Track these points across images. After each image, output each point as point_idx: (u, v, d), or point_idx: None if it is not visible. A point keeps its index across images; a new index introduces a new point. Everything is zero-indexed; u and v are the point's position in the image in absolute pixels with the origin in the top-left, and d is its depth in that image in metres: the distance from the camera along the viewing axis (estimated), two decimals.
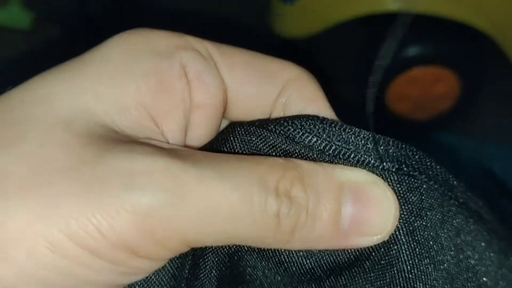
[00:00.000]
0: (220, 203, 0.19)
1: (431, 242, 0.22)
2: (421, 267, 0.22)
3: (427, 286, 0.22)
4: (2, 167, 0.18)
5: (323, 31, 0.56)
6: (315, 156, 0.22)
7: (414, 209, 0.22)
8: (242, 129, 0.23)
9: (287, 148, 0.23)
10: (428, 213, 0.22)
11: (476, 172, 0.41)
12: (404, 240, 0.22)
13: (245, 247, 0.23)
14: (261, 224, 0.20)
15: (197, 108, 0.23)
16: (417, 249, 0.22)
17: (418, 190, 0.22)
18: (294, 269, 0.23)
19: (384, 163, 0.22)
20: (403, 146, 0.22)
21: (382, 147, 0.22)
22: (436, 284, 0.22)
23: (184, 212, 0.18)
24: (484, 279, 0.23)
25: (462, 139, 0.47)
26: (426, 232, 0.22)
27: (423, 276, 0.22)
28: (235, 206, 0.19)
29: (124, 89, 0.21)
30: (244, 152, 0.23)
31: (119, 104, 0.21)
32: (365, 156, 0.22)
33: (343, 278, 0.22)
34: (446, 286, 0.23)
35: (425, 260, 0.22)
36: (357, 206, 0.21)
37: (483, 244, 0.23)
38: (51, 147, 0.19)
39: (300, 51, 0.62)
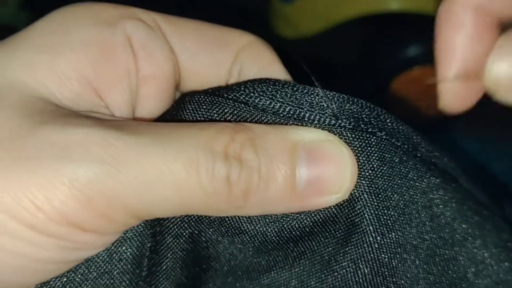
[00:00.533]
0: (162, 171, 0.18)
1: (396, 200, 0.22)
2: (387, 228, 0.21)
3: (392, 246, 0.21)
4: None
5: (323, 31, 0.55)
6: (269, 119, 0.21)
7: (375, 167, 0.21)
8: (194, 99, 0.22)
9: (240, 113, 0.22)
10: (390, 170, 0.21)
11: (476, 172, 0.40)
12: (367, 198, 0.21)
13: (205, 221, 0.22)
14: (211, 190, 0.19)
15: (145, 80, 0.22)
16: (380, 207, 0.21)
17: (377, 146, 0.21)
18: (257, 238, 0.22)
19: (340, 121, 0.21)
20: (360, 102, 0.22)
21: (337, 105, 0.21)
22: (402, 241, 0.22)
23: (123, 182, 0.18)
24: (457, 236, 0.23)
25: (462, 139, 0.47)
26: (389, 190, 0.22)
27: (388, 237, 0.21)
28: (178, 173, 0.18)
29: (61, 58, 0.20)
30: (195, 121, 0.22)
31: (57, 74, 0.20)
32: (320, 115, 0.21)
33: (308, 243, 0.22)
34: (414, 242, 0.22)
35: (391, 219, 0.21)
36: (312, 166, 0.20)
37: (453, 204, 0.22)
38: None
39: (300, 51, 0.62)
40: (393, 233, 0.21)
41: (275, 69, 0.24)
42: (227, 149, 0.19)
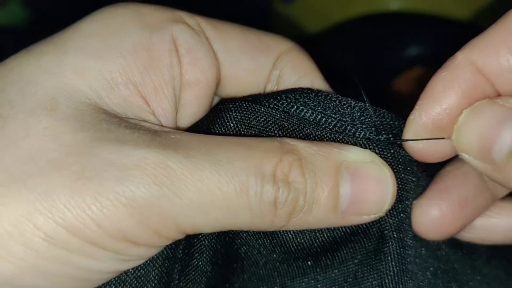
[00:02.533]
0: (215, 195, 0.19)
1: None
2: (408, 247, 0.22)
3: (417, 258, 0.22)
4: None
5: (323, 30, 0.56)
6: (310, 130, 0.22)
7: (406, 183, 0.22)
8: (235, 106, 0.23)
9: (281, 123, 0.22)
10: (416, 181, 0.22)
11: None
12: (395, 212, 0.22)
13: None
14: (258, 213, 0.19)
15: (189, 85, 0.22)
16: (406, 221, 0.22)
17: (411, 166, 0.22)
18: (290, 246, 0.22)
19: (380, 135, 0.21)
20: (397, 118, 0.22)
21: (377, 119, 0.22)
22: (422, 253, 0.22)
23: (179, 204, 0.18)
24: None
25: None
26: (410, 206, 0.22)
27: (412, 249, 0.22)
28: (230, 197, 0.19)
29: (112, 64, 0.20)
30: (238, 129, 0.22)
31: (107, 80, 0.20)
32: (361, 128, 0.21)
33: (340, 253, 0.22)
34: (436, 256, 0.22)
35: (415, 239, 0.22)
36: (355, 187, 0.21)
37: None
38: (36, 135, 0.18)
39: None
40: (417, 249, 0.22)
41: (314, 78, 0.25)
42: (275, 172, 0.20)
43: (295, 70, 0.24)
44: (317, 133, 0.22)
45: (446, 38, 0.57)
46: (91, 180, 0.18)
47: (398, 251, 0.21)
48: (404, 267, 0.21)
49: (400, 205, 0.22)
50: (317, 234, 0.23)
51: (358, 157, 0.21)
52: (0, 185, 0.18)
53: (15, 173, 0.18)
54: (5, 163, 0.18)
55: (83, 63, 0.20)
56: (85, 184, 0.18)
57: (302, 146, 0.20)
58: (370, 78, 0.51)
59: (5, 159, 0.18)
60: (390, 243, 0.21)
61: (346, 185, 0.20)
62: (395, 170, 0.22)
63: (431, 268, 0.22)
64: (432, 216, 0.21)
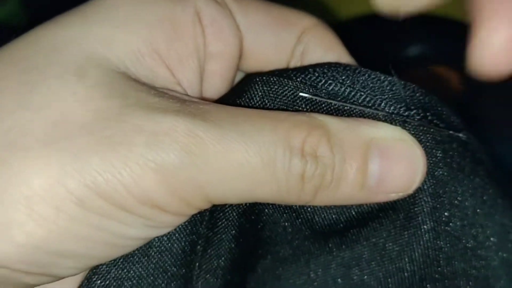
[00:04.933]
0: (242, 165, 0.19)
1: (452, 197, 0.22)
2: (442, 223, 0.21)
3: (447, 239, 0.22)
4: (18, 123, 0.18)
5: None
6: (338, 105, 0.21)
7: (438, 162, 0.21)
8: (262, 79, 0.22)
9: (310, 98, 0.22)
10: (450, 166, 0.22)
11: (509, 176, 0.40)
12: (427, 191, 0.21)
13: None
14: (284, 185, 0.19)
15: (212, 57, 0.22)
16: (439, 198, 0.21)
17: (442, 143, 0.22)
18: (315, 222, 0.22)
19: (410, 111, 0.21)
20: (427, 94, 0.22)
21: (407, 93, 0.21)
22: (454, 241, 0.22)
23: (206, 173, 0.18)
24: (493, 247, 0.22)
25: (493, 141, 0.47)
26: (448, 185, 0.22)
27: (443, 232, 0.22)
28: (257, 168, 0.19)
29: (138, 35, 0.20)
30: (264, 103, 0.22)
31: (134, 50, 0.20)
32: (391, 103, 0.21)
33: (366, 229, 0.22)
34: (463, 238, 0.22)
35: (445, 214, 0.21)
36: (383, 164, 0.20)
37: (496, 217, 0.22)
38: (66, 100, 0.18)
39: None
40: (448, 225, 0.21)
41: (340, 53, 0.24)
42: (304, 145, 0.19)
43: (320, 45, 0.24)
44: (345, 108, 0.21)
45: (447, 38, 0.57)
46: (121, 145, 0.18)
47: (430, 225, 0.21)
48: (436, 241, 0.21)
49: (432, 180, 0.21)
50: (344, 209, 0.22)
51: (388, 134, 0.21)
52: (31, 149, 0.17)
53: (45, 136, 0.18)
54: (35, 126, 0.18)
55: (110, 34, 0.20)
56: (115, 149, 0.18)
57: (331, 121, 0.20)
58: None
59: (34, 123, 0.18)
60: (421, 217, 0.21)
61: (375, 162, 0.20)
62: (426, 147, 0.21)
63: (463, 240, 0.22)
64: (494, 44, 0.16)
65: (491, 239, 0.22)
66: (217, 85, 0.23)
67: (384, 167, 0.20)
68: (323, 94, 0.21)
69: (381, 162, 0.20)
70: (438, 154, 0.21)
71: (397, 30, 0.53)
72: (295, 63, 0.24)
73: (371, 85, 0.21)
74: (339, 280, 0.21)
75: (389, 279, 0.21)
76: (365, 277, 0.21)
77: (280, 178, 0.19)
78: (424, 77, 0.56)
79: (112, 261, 0.21)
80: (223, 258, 0.22)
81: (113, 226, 0.19)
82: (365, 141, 0.20)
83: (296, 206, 0.22)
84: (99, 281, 0.21)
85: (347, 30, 0.55)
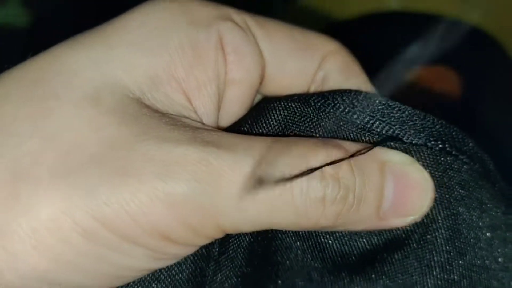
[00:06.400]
0: (258, 192, 0.18)
1: (466, 231, 0.22)
2: (457, 250, 0.21)
3: (461, 269, 0.21)
4: (30, 152, 0.18)
5: (323, 30, 0.55)
6: (356, 133, 0.21)
7: (453, 191, 0.21)
8: (280, 105, 0.22)
9: (327, 124, 0.21)
10: (467, 198, 0.22)
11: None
12: (442, 219, 0.21)
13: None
14: (303, 211, 0.19)
15: (232, 84, 0.22)
16: (454, 230, 0.21)
17: (458, 170, 0.21)
18: (328, 251, 0.22)
19: (429, 143, 0.21)
20: (447, 125, 0.22)
21: (427, 125, 0.21)
22: (470, 275, 0.22)
23: (219, 201, 0.18)
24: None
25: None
26: (464, 218, 0.21)
27: (456, 265, 0.21)
28: (273, 194, 0.18)
29: (157, 60, 0.20)
30: (282, 129, 0.22)
31: (151, 76, 0.20)
32: (409, 133, 0.21)
33: (378, 261, 0.22)
34: (480, 276, 0.22)
35: (459, 248, 0.21)
36: (397, 188, 0.20)
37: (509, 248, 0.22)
38: (80, 128, 0.18)
39: None
40: (463, 257, 0.21)
41: (360, 80, 0.24)
42: (324, 167, 0.19)
43: (341, 72, 0.24)
44: (364, 138, 0.21)
45: (447, 38, 0.57)
46: (130, 176, 0.17)
47: (443, 257, 0.21)
48: (448, 273, 0.21)
49: (446, 212, 0.21)
50: (356, 241, 0.22)
51: (400, 158, 0.21)
52: (41, 179, 0.17)
53: (57, 167, 0.17)
54: (47, 156, 0.18)
55: (130, 58, 0.19)
56: (124, 180, 0.17)
57: (348, 144, 0.20)
58: (371, 78, 0.50)
59: (47, 152, 0.18)
60: (434, 249, 0.21)
61: (389, 186, 0.20)
62: (440, 177, 0.21)
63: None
64: None
65: (505, 271, 0.22)
66: (234, 112, 0.23)
67: (398, 191, 0.20)
68: (341, 122, 0.21)
69: (396, 186, 0.20)
70: (455, 186, 0.21)
71: (397, 30, 0.53)
72: (315, 88, 0.24)
73: (391, 115, 0.21)
74: None
75: None
76: None
77: (298, 204, 0.18)
78: (424, 78, 0.56)
79: (125, 286, 0.21)
80: (233, 282, 0.22)
81: (118, 258, 0.18)
82: (381, 164, 0.20)
83: (309, 233, 0.22)
84: None
85: (347, 30, 0.55)
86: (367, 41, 0.52)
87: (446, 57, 0.59)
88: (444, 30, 0.56)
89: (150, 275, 0.21)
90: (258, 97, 0.24)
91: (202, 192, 0.18)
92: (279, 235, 0.22)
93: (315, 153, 0.19)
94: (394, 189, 0.20)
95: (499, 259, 0.22)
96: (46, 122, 0.18)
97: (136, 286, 0.21)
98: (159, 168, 0.18)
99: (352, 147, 0.20)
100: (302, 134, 0.22)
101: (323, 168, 0.19)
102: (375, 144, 0.21)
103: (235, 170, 0.18)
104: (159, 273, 0.21)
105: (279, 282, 0.21)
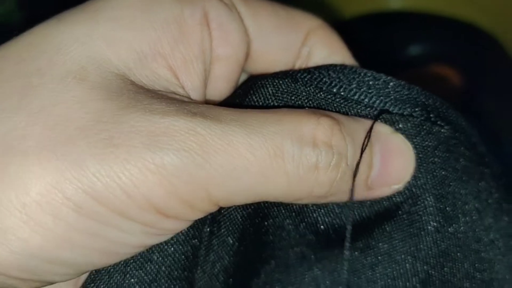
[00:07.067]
0: (247, 160, 0.18)
1: (456, 199, 0.22)
2: (445, 219, 0.21)
3: (451, 241, 0.21)
4: (17, 127, 0.17)
5: None
6: (344, 106, 0.21)
7: (442, 163, 0.22)
8: (267, 82, 0.22)
9: (314, 99, 0.21)
10: (454, 168, 0.22)
11: None
12: (430, 192, 0.21)
13: (271, 203, 0.22)
14: (295, 178, 0.19)
15: (218, 60, 0.22)
16: (442, 199, 0.22)
17: (446, 144, 0.22)
18: (320, 225, 0.22)
19: (414, 112, 0.21)
20: (431, 96, 0.22)
21: (412, 96, 0.22)
22: (458, 242, 0.22)
23: (210, 171, 0.18)
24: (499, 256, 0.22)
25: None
26: (452, 187, 0.22)
27: (447, 234, 0.21)
28: (264, 161, 0.18)
29: (142, 36, 0.20)
30: (269, 106, 0.22)
31: (137, 51, 0.19)
32: (395, 104, 0.21)
33: (370, 233, 0.22)
34: (469, 247, 0.22)
35: (448, 215, 0.22)
36: (384, 157, 0.20)
37: (501, 221, 0.22)
38: (65, 103, 0.18)
39: None
40: (451, 226, 0.21)
41: (344, 55, 0.24)
42: (316, 134, 0.19)
43: (325, 47, 0.24)
44: (351, 110, 0.21)
45: (447, 37, 0.57)
46: (119, 148, 0.17)
47: (433, 227, 0.21)
48: (439, 243, 0.21)
49: (434, 180, 0.22)
50: (347, 214, 0.22)
51: (384, 128, 0.21)
52: (29, 153, 0.17)
53: (44, 140, 0.17)
54: (34, 130, 0.17)
55: (114, 34, 0.19)
56: (113, 152, 0.17)
57: (335, 114, 0.20)
58: None
59: (33, 126, 0.17)
60: (424, 218, 0.21)
61: (377, 155, 0.20)
62: (428, 147, 0.21)
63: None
64: None
65: (495, 242, 0.22)
66: (221, 88, 0.23)
67: (384, 160, 0.20)
68: (329, 96, 0.21)
69: (383, 154, 0.20)
70: (441, 155, 0.21)
71: (398, 29, 0.52)
72: (300, 64, 0.24)
73: (376, 86, 0.21)
74: (344, 285, 0.21)
75: (395, 282, 0.21)
76: (370, 282, 0.21)
77: (290, 171, 0.18)
78: (424, 77, 0.56)
79: (115, 266, 0.21)
80: (225, 262, 0.22)
81: (111, 233, 0.18)
82: (368, 133, 0.20)
83: (300, 209, 0.22)
84: (102, 286, 0.21)
85: (347, 30, 0.55)
86: (367, 41, 0.51)
87: (446, 56, 0.59)
88: (444, 29, 0.56)
89: (143, 254, 0.21)
90: (244, 76, 0.25)
91: (191, 162, 0.17)
92: (271, 213, 0.22)
93: (307, 120, 0.19)
94: (381, 158, 0.20)
95: (486, 233, 0.22)
96: (32, 98, 0.18)
97: (129, 267, 0.21)
98: (147, 139, 0.17)
99: (341, 117, 0.20)
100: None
101: (315, 135, 0.18)
102: (376, 117, 0.21)
103: (224, 139, 0.18)
104: (151, 253, 0.21)
105: (272, 262, 0.21)
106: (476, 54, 0.60)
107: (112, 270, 0.21)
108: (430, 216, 0.21)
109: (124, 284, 0.21)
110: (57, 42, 0.19)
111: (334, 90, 0.21)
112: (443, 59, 0.59)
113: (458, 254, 0.21)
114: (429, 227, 0.21)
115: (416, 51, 0.54)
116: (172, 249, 0.21)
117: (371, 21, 0.53)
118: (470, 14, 0.55)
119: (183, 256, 0.21)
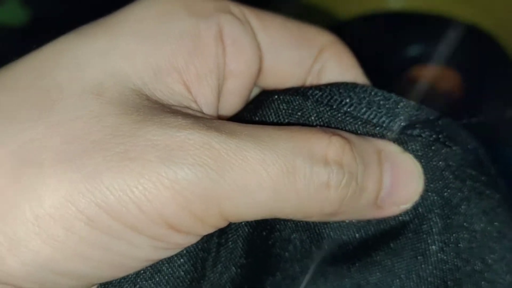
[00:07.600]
0: (261, 176, 0.18)
1: (461, 219, 0.22)
2: (451, 244, 0.22)
3: (455, 261, 0.22)
4: (35, 138, 0.18)
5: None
6: (353, 125, 0.21)
7: (449, 183, 0.22)
8: (278, 98, 0.22)
9: (325, 117, 0.22)
10: (461, 190, 0.22)
11: None
12: (436, 212, 0.22)
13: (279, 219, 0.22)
14: (306, 196, 0.19)
15: (231, 76, 0.22)
16: (448, 227, 0.22)
17: (453, 164, 0.22)
18: (326, 241, 0.22)
19: (423, 133, 0.22)
20: (441, 116, 0.22)
21: (421, 116, 0.22)
22: (462, 263, 0.22)
23: (224, 186, 0.18)
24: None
25: (501, 148, 0.47)
26: (458, 208, 0.22)
27: (452, 253, 0.22)
28: (276, 178, 0.18)
29: (159, 50, 0.20)
30: (280, 122, 0.22)
31: (153, 66, 0.20)
32: (405, 124, 0.22)
33: (375, 250, 0.22)
34: (474, 267, 0.22)
35: (454, 235, 0.22)
36: (394, 176, 0.21)
37: (505, 240, 0.23)
38: (83, 118, 0.18)
39: None
40: (456, 246, 0.22)
41: (356, 73, 0.24)
42: (327, 153, 0.19)
43: (337, 64, 0.24)
44: (361, 129, 0.21)
45: (447, 38, 0.57)
46: (134, 161, 0.17)
47: (438, 246, 0.22)
48: (444, 262, 0.21)
49: (441, 201, 0.22)
50: (354, 231, 0.22)
51: (393, 147, 0.21)
52: (45, 165, 0.17)
53: (60, 153, 0.17)
54: (51, 142, 0.17)
55: (132, 49, 0.20)
56: (128, 166, 0.17)
57: (344, 132, 0.20)
58: (371, 77, 0.50)
59: (51, 139, 0.18)
60: (430, 238, 0.22)
61: (387, 174, 0.20)
62: (436, 167, 0.22)
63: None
64: None
65: (499, 262, 0.22)
66: (233, 103, 0.23)
67: (394, 179, 0.21)
68: (339, 114, 0.21)
69: (392, 174, 0.21)
70: (449, 176, 0.22)
71: (398, 29, 0.53)
72: (311, 80, 0.24)
73: (386, 106, 0.22)
74: None
75: None
76: None
77: (302, 188, 0.18)
78: (424, 77, 0.56)
79: (125, 277, 0.21)
80: (232, 273, 0.22)
81: (122, 247, 0.18)
82: (378, 153, 0.20)
83: (307, 223, 0.22)
84: None
85: (347, 30, 0.55)
86: (367, 41, 0.52)
87: (446, 57, 0.59)
88: (444, 29, 0.56)
89: (153, 265, 0.21)
90: (256, 90, 0.25)
91: (206, 176, 0.18)
92: (278, 226, 0.22)
93: (318, 139, 0.19)
94: (391, 177, 0.21)
95: (490, 253, 0.22)
96: (51, 112, 0.18)
97: (139, 278, 0.21)
98: (163, 153, 0.17)
99: (351, 136, 0.20)
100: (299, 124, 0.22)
101: (326, 154, 0.19)
102: (387, 137, 0.21)
103: (238, 154, 0.18)
104: (161, 265, 0.21)
105: (278, 274, 0.21)
106: (476, 55, 0.60)
107: (123, 280, 0.21)
108: (435, 236, 0.22)
109: None
110: (76, 57, 0.19)
111: (345, 109, 0.21)
112: (442, 59, 0.59)
113: (462, 274, 0.22)
114: (434, 247, 0.22)
115: (416, 51, 0.54)
116: (182, 260, 0.21)
117: (371, 21, 0.53)
118: (470, 15, 0.55)
119: (192, 268, 0.21)
